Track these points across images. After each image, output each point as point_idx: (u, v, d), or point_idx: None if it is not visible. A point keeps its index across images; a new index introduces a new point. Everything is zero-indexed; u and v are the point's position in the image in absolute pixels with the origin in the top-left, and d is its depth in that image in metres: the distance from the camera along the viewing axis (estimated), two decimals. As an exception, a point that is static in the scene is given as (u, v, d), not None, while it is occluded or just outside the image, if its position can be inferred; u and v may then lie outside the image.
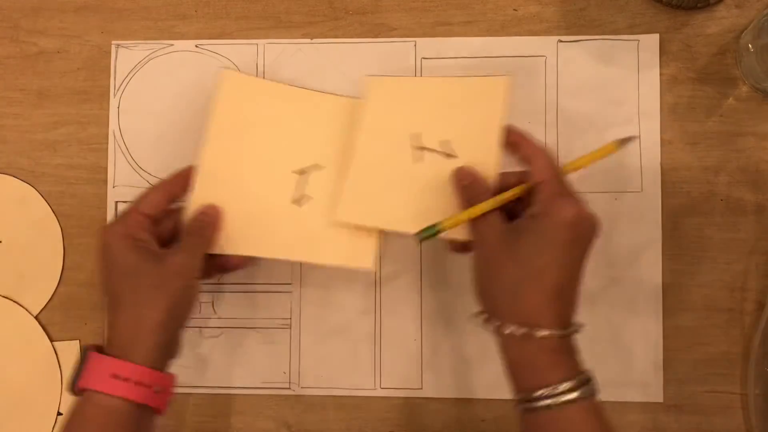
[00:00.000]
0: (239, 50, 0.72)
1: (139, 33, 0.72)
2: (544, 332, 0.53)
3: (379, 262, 0.69)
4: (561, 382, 0.52)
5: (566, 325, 0.55)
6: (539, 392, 0.53)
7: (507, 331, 0.54)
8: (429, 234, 0.60)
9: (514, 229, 0.57)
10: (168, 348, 0.59)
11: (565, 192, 0.57)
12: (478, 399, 0.69)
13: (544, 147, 0.60)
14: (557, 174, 0.58)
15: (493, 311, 0.57)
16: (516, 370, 0.55)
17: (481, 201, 0.59)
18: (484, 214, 0.58)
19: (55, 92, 0.73)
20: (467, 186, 0.61)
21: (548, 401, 0.52)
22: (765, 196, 0.68)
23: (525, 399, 0.53)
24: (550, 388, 0.52)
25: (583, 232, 0.56)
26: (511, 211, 0.60)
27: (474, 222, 0.59)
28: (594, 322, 0.68)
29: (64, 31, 0.73)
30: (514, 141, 0.62)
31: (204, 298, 0.70)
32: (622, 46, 0.69)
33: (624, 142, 0.60)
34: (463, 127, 0.64)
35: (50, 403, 0.71)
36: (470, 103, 0.65)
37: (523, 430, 0.55)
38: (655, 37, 0.69)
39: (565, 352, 0.54)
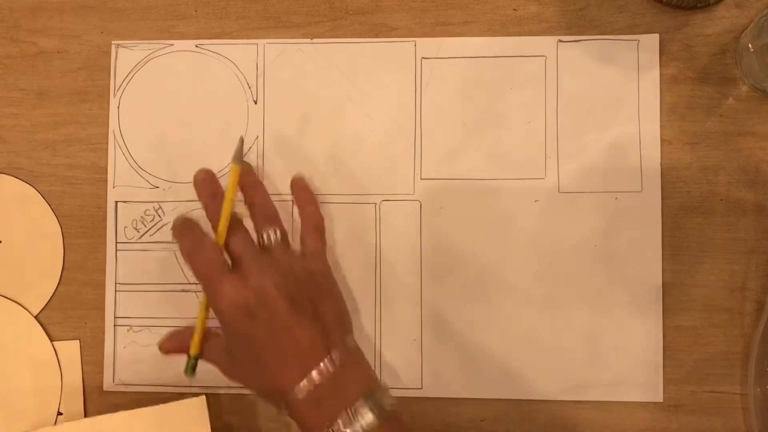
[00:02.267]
0: (239, 50, 0.72)
1: (139, 33, 0.73)
2: (294, 396, 0.55)
3: (379, 262, 0.69)
4: (328, 426, 0.54)
5: (312, 369, 0.55)
6: None
7: (281, 411, 0.57)
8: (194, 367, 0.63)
9: (226, 344, 0.61)
10: None
11: (212, 290, 0.58)
12: (478, 399, 0.69)
13: (183, 251, 0.61)
14: (199, 276, 0.59)
15: (274, 404, 0.59)
16: None
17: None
18: (205, 348, 0.63)
19: (55, 92, 0.73)
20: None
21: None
22: (765, 196, 0.68)
23: None
24: None
25: (251, 303, 0.57)
26: None
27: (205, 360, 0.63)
28: (594, 322, 0.68)
29: (64, 31, 0.73)
30: None
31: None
32: (622, 46, 0.69)
33: (238, 156, 0.62)
34: None
35: (50, 403, 0.71)
36: None
37: None
38: (655, 37, 0.69)
39: (326, 394, 0.55)
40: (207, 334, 0.63)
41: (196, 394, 0.70)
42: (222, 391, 0.70)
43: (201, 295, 0.63)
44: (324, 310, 0.59)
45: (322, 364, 0.55)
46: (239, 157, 0.62)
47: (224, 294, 0.56)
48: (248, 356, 0.57)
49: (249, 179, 0.65)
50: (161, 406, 0.68)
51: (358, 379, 0.57)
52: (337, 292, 0.63)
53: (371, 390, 0.56)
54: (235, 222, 0.61)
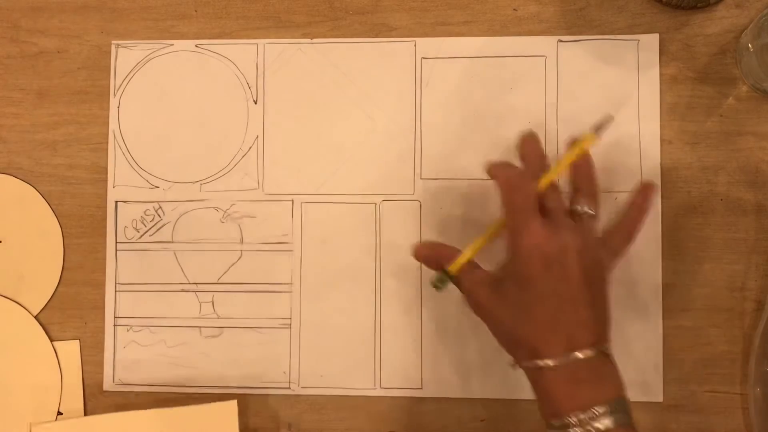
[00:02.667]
0: (239, 50, 0.72)
1: (139, 33, 0.72)
2: (548, 362, 0.54)
3: (379, 262, 0.69)
4: (581, 410, 0.52)
5: (580, 349, 0.54)
6: (556, 422, 0.53)
7: (522, 365, 0.57)
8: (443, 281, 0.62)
9: (495, 279, 0.59)
10: None
11: (520, 224, 0.57)
12: (478, 399, 0.69)
13: (503, 178, 0.60)
14: (512, 207, 0.58)
15: (513, 354, 0.58)
16: (539, 401, 0.56)
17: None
18: (466, 272, 0.61)
19: (55, 92, 0.73)
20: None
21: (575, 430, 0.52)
22: (765, 196, 0.68)
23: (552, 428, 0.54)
24: (568, 418, 0.53)
25: (553, 255, 0.56)
26: None
27: (460, 283, 0.61)
28: (594, 322, 0.68)
29: (64, 31, 0.73)
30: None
31: (204, 297, 0.70)
32: (622, 46, 0.69)
33: (600, 128, 0.61)
34: None
35: (50, 403, 0.71)
36: None
37: None
38: (655, 37, 0.69)
39: (586, 378, 0.54)
40: (471, 263, 0.61)
41: (199, 394, 0.70)
42: (222, 391, 0.70)
43: (493, 223, 0.62)
44: (602, 304, 0.58)
45: (589, 350, 0.54)
46: (600, 128, 0.62)
47: (533, 232, 0.56)
48: (520, 301, 0.56)
49: (586, 154, 0.63)
50: (191, 407, 0.68)
51: (616, 381, 0.56)
52: (609, 296, 0.60)
53: (624, 396, 0.56)
54: (554, 185, 0.61)
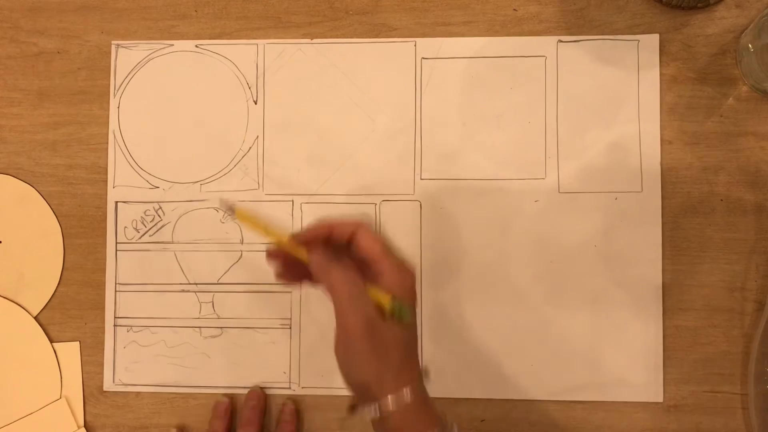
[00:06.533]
0: (239, 50, 0.72)
1: (139, 33, 0.73)
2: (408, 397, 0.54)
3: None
4: None
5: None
6: None
7: (379, 411, 0.54)
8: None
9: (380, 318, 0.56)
10: None
11: (399, 262, 0.56)
12: (478, 399, 0.69)
13: (360, 222, 0.57)
14: (385, 247, 0.56)
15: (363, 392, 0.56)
16: None
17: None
18: (361, 301, 0.56)
19: (55, 92, 0.73)
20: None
21: None
22: (765, 196, 0.68)
23: None
24: None
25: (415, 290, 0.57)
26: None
27: (345, 303, 0.55)
28: (594, 322, 0.68)
29: (64, 31, 0.73)
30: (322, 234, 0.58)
31: (204, 298, 0.71)
32: (622, 46, 0.69)
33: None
34: None
35: (50, 403, 0.71)
36: None
37: None
38: (655, 37, 0.69)
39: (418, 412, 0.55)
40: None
41: (199, 394, 0.70)
42: (223, 391, 0.70)
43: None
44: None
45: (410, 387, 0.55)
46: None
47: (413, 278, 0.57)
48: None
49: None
50: None
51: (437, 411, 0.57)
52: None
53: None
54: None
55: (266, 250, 0.59)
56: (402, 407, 0.53)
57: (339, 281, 0.55)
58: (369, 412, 0.54)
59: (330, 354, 0.68)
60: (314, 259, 0.56)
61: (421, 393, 0.55)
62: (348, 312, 0.54)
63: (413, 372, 0.56)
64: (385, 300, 0.54)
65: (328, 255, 0.56)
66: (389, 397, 0.53)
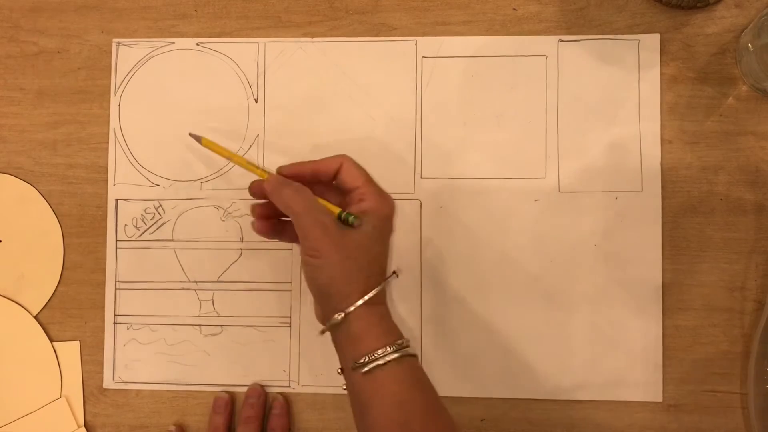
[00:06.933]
0: (240, 48, 0.72)
1: (139, 32, 0.73)
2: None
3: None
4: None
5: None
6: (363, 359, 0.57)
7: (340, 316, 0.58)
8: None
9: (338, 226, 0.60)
10: None
11: (381, 190, 0.62)
12: (478, 399, 0.69)
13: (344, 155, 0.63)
14: (369, 177, 0.62)
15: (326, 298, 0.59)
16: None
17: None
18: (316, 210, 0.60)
19: (55, 92, 0.73)
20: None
21: (371, 365, 0.56)
22: (765, 196, 0.68)
23: (354, 366, 0.57)
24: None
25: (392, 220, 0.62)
26: None
27: (302, 215, 0.59)
28: (594, 322, 0.68)
29: (64, 30, 0.73)
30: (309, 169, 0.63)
31: (204, 296, 0.70)
32: (622, 45, 0.69)
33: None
34: None
35: (50, 402, 0.71)
36: None
37: (351, 394, 0.59)
38: (656, 36, 0.69)
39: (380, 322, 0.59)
40: None
41: (199, 392, 0.70)
42: (222, 389, 0.70)
43: None
44: None
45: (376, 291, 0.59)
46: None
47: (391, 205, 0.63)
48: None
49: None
50: None
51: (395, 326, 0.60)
52: None
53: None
54: None
55: (249, 186, 0.64)
56: (366, 311, 0.58)
57: (293, 196, 0.60)
58: (333, 319, 0.58)
59: (330, 354, 0.68)
60: (270, 180, 0.62)
61: (383, 304, 0.60)
62: (307, 221, 0.58)
63: (379, 279, 0.60)
64: (330, 207, 0.60)
65: (282, 178, 0.62)
66: (354, 296, 0.57)
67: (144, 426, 0.71)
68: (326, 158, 0.63)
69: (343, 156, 0.62)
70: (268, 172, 0.63)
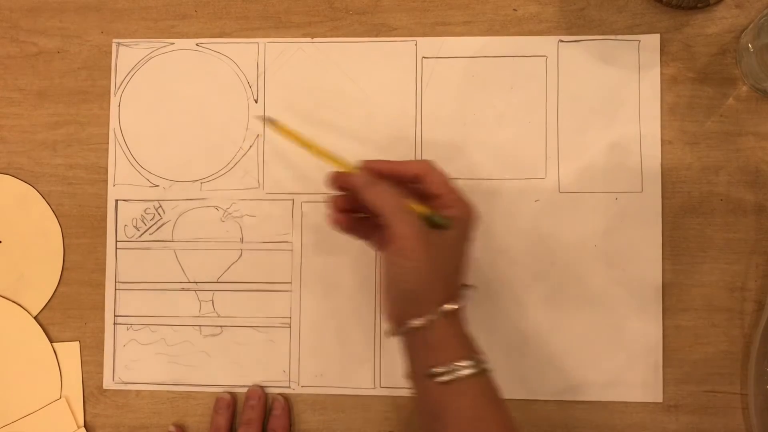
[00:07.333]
0: (240, 49, 0.72)
1: (139, 33, 0.73)
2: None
3: (379, 261, 0.69)
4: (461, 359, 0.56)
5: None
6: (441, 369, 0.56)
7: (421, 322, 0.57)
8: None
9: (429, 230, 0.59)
10: None
11: (465, 197, 0.61)
12: (478, 399, 0.69)
13: (427, 161, 0.62)
14: (453, 183, 0.61)
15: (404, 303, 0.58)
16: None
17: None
18: (407, 211, 0.58)
19: (55, 92, 0.73)
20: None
21: (451, 375, 0.55)
22: (765, 196, 0.68)
23: (431, 374, 0.56)
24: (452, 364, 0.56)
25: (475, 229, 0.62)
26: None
27: (394, 215, 0.58)
28: (594, 322, 0.68)
29: (64, 31, 0.73)
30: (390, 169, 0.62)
31: (204, 296, 0.70)
32: (622, 46, 0.69)
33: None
34: None
35: (50, 403, 0.71)
36: None
37: (422, 402, 0.58)
38: (656, 37, 0.69)
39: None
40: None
41: (199, 393, 0.70)
42: (222, 390, 0.70)
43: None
44: None
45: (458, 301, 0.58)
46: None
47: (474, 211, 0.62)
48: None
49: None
50: None
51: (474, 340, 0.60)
52: None
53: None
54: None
55: (328, 176, 0.63)
56: (448, 319, 0.57)
57: (385, 194, 0.58)
58: (414, 323, 0.56)
59: (330, 353, 0.68)
60: (361, 176, 0.60)
61: (463, 313, 0.59)
62: (400, 221, 0.57)
63: (459, 286, 0.59)
64: (421, 209, 0.58)
65: (372, 176, 0.60)
66: (437, 302, 0.56)
67: (144, 426, 0.71)
68: (410, 161, 0.65)
69: (427, 161, 0.61)
70: (356, 167, 0.61)
